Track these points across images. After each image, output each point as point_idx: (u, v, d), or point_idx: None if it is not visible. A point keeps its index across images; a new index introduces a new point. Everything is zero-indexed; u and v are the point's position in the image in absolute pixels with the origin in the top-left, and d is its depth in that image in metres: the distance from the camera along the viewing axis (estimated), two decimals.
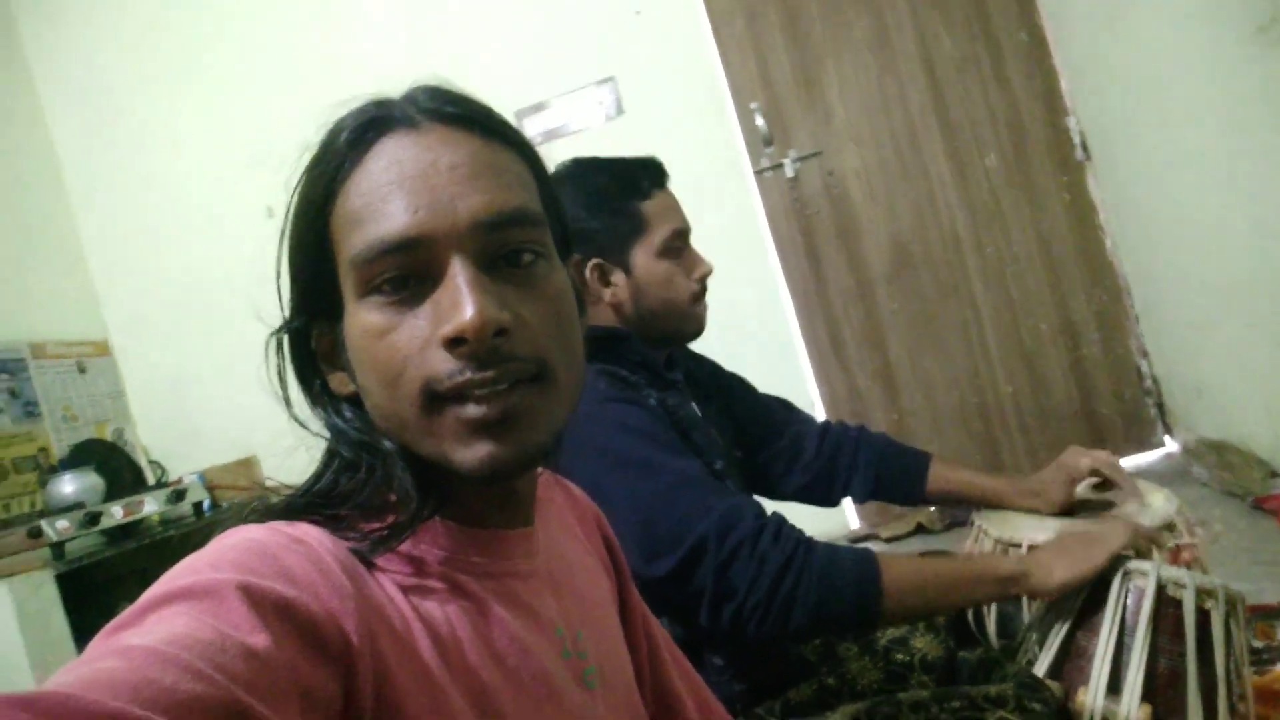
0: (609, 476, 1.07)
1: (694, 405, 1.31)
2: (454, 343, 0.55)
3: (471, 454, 0.56)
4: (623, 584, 0.84)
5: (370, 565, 0.55)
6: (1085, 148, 2.84)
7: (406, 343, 0.56)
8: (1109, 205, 2.83)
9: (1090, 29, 2.57)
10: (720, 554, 1.00)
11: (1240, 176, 1.99)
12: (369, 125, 0.59)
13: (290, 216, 0.62)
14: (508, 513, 0.65)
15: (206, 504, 2.82)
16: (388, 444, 0.60)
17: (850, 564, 1.00)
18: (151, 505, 2.58)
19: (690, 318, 1.31)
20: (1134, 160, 2.56)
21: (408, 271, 0.57)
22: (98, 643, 0.43)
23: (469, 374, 0.55)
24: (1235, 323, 2.21)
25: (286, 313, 0.64)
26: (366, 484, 0.59)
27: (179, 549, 0.51)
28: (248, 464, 3.06)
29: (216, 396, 3.10)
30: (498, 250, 0.58)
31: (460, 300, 0.55)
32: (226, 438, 3.02)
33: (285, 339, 0.64)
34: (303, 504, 0.59)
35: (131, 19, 3.24)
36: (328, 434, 0.63)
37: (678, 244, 1.28)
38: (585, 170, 1.29)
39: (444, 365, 0.56)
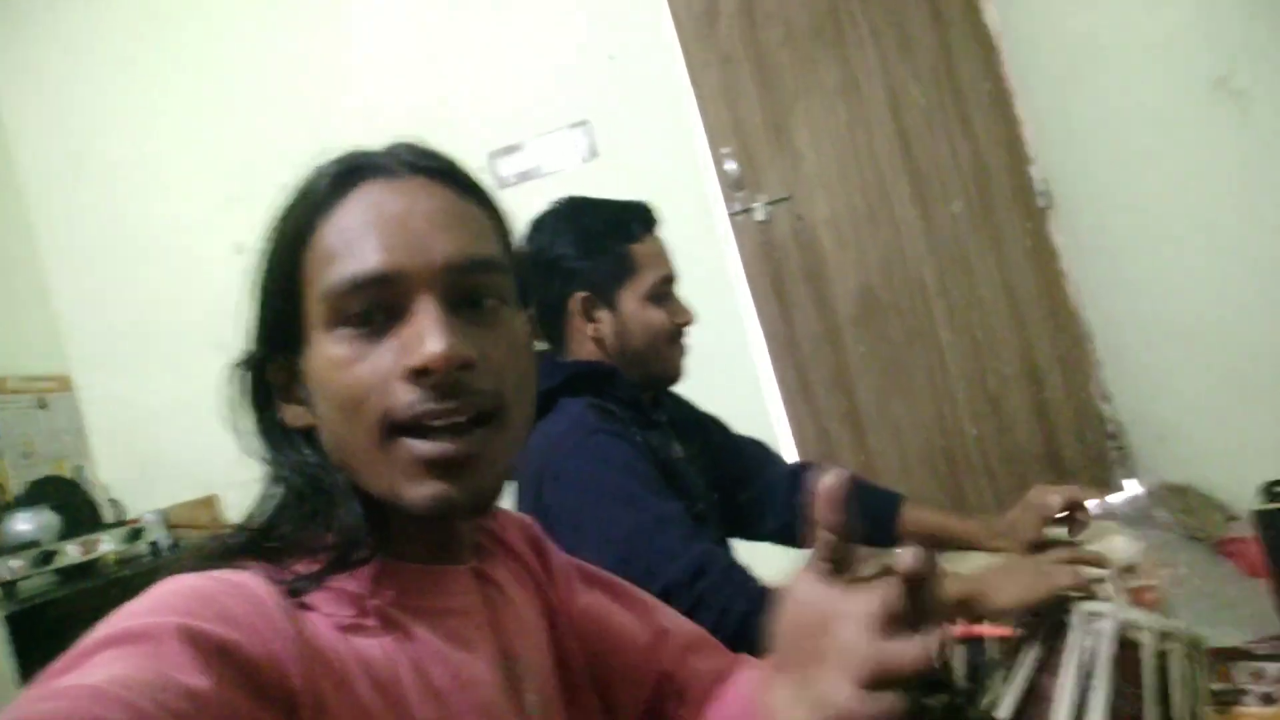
0: (589, 511, 1.08)
1: (677, 445, 1.32)
2: (419, 374, 0.57)
3: (421, 492, 0.58)
4: (550, 587, 0.80)
5: (308, 606, 0.55)
6: (1048, 194, 2.90)
7: (370, 373, 0.58)
8: (1071, 251, 2.89)
9: (1052, 79, 2.64)
10: (688, 601, 1.00)
11: (1199, 223, 2.04)
12: (351, 170, 0.62)
13: (263, 252, 0.64)
14: (447, 550, 0.66)
15: (165, 543, 2.76)
16: (340, 476, 0.61)
17: None
18: (108, 544, 2.52)
19: (669, 361, 1.32)
20: (1096, 207, 2.62)
21: (376, 307, 0.59)
22: (35, 688, 0.42)
23: (430, 404, 0.57)
24: (1196, 368, 2.25)
25: (246, 345, 0.65)
26: (309, 522, 0.60)
27: (135, 589, 0.51)
28: (209, 503, 3.01)
29: (178, 435, 3.03)
30: (463, 293, 0.61)
31: (427, 334, 0.57)
32: (188, 476, 2.96)
33: (242, 370, 0.65)
34: (241, 544, 0.59)
35: (101, 54, 3.22)
36: (275, 466, 0.64)
37: (665, 290, 1.31)
38: (578, 210, 1.32)
39: (405, 396, 0.57)
